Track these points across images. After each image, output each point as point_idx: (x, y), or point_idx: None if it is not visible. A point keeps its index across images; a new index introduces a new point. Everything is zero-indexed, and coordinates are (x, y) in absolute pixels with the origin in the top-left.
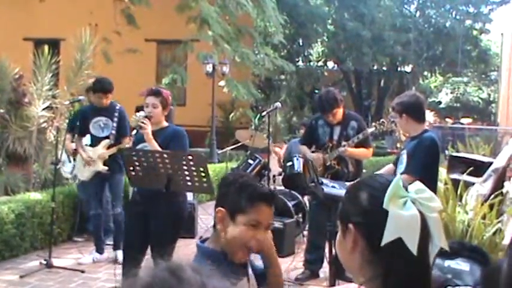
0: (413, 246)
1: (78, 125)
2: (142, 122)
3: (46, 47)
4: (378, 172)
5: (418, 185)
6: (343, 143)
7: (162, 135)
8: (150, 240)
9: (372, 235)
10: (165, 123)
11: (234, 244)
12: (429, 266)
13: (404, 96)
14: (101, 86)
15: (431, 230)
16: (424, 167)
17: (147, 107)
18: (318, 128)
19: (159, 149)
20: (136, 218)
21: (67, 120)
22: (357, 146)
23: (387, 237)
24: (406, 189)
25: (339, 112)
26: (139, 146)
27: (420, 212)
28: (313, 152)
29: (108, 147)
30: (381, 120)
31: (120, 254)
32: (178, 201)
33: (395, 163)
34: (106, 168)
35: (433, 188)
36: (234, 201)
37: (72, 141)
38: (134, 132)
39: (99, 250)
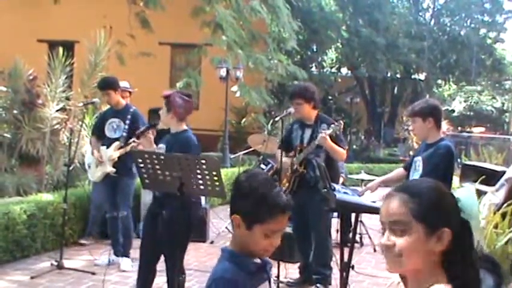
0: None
1: (96, 126)
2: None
3: (60, 49)
4: (387, 176)
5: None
6: (321, 132)
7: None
8: (162, 242)
9: (459, 239)
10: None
11: (251, 249)
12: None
13: (424, 102)
14: (98, 84)
15: None
16: (437, 174)
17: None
18: (292, 131)
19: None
20: (152, 221)
21: (80, 122)
22: None
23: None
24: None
25: (304, 108)
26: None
27: None
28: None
29: (118, 149)
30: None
31: (124, 261)
32: (191, 204)
33: (406, 168)
34: (113, 170)
35: None
36: (252, 211)
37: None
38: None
39: (116, 252)
